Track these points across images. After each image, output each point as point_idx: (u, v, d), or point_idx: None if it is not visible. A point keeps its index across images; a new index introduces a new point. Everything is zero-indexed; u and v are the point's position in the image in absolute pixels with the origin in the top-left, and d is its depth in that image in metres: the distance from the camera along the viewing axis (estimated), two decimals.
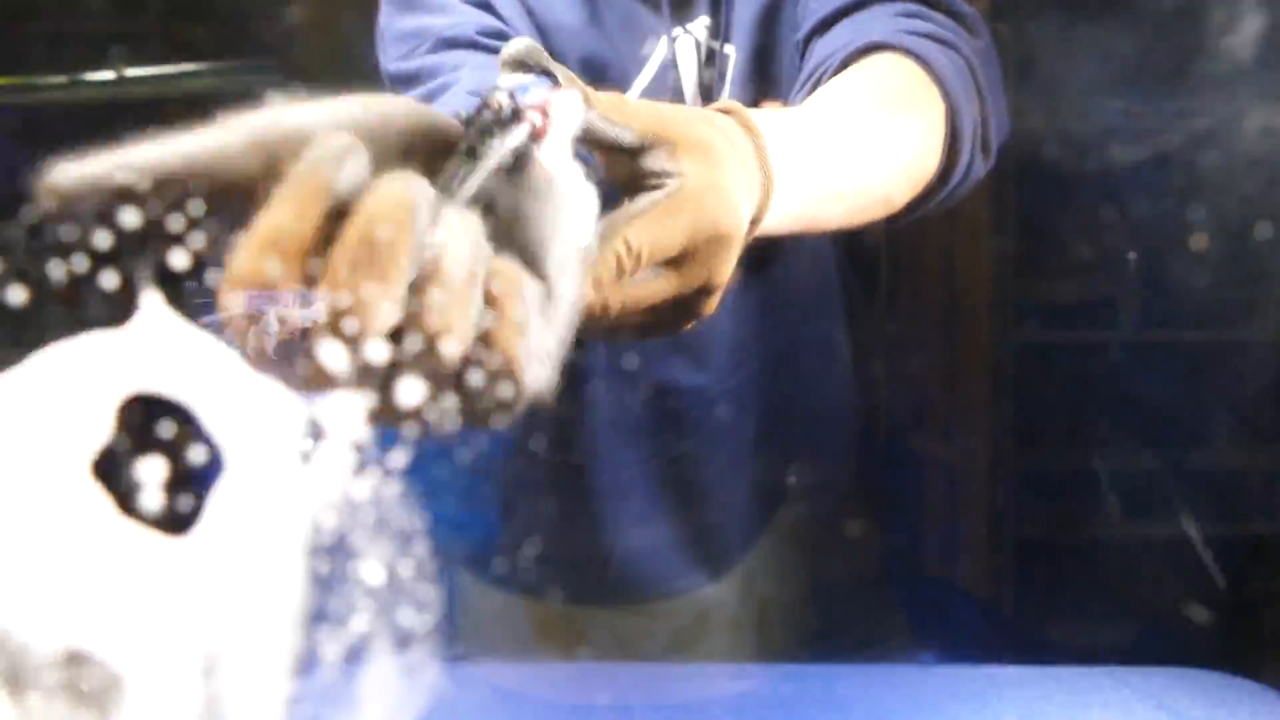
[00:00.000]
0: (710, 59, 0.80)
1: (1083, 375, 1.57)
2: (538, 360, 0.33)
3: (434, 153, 0.34)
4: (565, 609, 0.89)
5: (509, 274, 0.32)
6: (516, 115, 0.35)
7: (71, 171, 0.30)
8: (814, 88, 0.66)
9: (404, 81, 0.74)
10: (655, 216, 0.40)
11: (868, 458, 0.97)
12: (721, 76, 0.80)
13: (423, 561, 0.30)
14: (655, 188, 0.41)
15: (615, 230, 0.39)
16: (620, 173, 0.41)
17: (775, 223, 0.47)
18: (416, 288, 0.30)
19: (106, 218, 0.30)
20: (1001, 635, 1.41)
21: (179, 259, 0.31)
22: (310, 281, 0.30)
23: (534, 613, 0.90)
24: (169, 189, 0.31)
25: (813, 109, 0.59)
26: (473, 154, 0.34)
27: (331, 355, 0.29)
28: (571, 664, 0.86)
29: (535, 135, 0.35)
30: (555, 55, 0.79)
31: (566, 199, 0.36)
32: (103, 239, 0.30)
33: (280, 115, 0.33)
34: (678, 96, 0.80)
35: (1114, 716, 0.68)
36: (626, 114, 0.41)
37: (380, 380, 0.30)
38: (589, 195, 0.37)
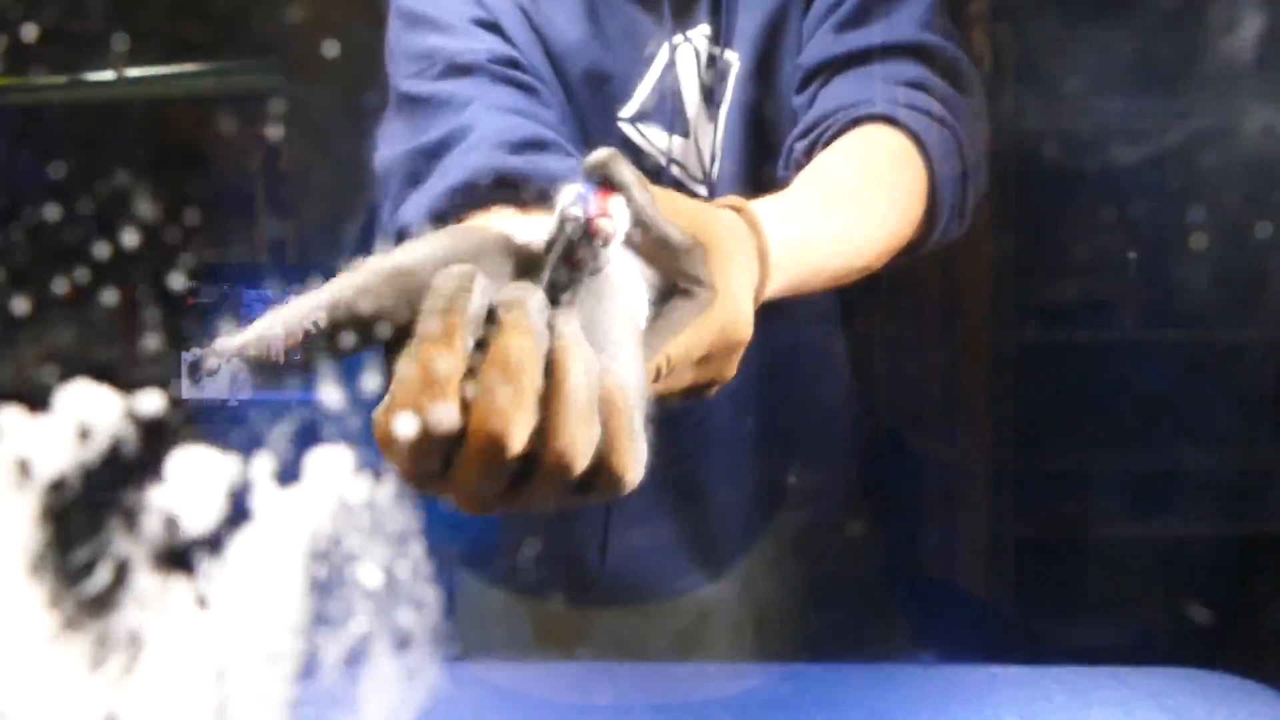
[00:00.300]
0: (711, 65, 0.80)
1: (1083, 375, 1.57)
2: (639, 464, 0.39)
3: (518, 267, 0.40)
4: (565, 609, 0.89)
5: (618, 390, 0.38)
6: (591, 226, 0.40)
7: (227, 347, 0.36)
8: (813, 142, 0.71)
9: (415, 102, 0.74)
10: (690, 333, 0.45)
11: (868, 458, 0.97)
12: (722, 81, 0.80)
13: (420, 563, 0.30)
14: (687, 293, 0.45)
15: (659, 343, 0.44)
16: (661, 266, 0.45)
17: (766, 295, 0.53)
18: (542, 408, 0.36)
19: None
20: (1001, 635, 1.40)
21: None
22: (463, 403, 0.35)
23: (534, 612, 0.90)
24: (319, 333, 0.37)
25: (807, 193, 0.63)
26: (564, 267, 0.40)
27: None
28: (571, 664, 0.86)
29: (607, 242, 0.40)
30: (560, 69, 0.80)
31: (632, 296, 0.42)
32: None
33: (395, 256, 0.39)
34: (678, 102, 0.80)
35: (1114, 716, 0.68)
36: (671, 210, 0.45)
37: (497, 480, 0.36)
38: (643, 289, 0.43)
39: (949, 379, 1.64)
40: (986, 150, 0.76)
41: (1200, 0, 1.35)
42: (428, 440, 0.35)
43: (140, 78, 1.62)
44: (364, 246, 0.40)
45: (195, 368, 0.35)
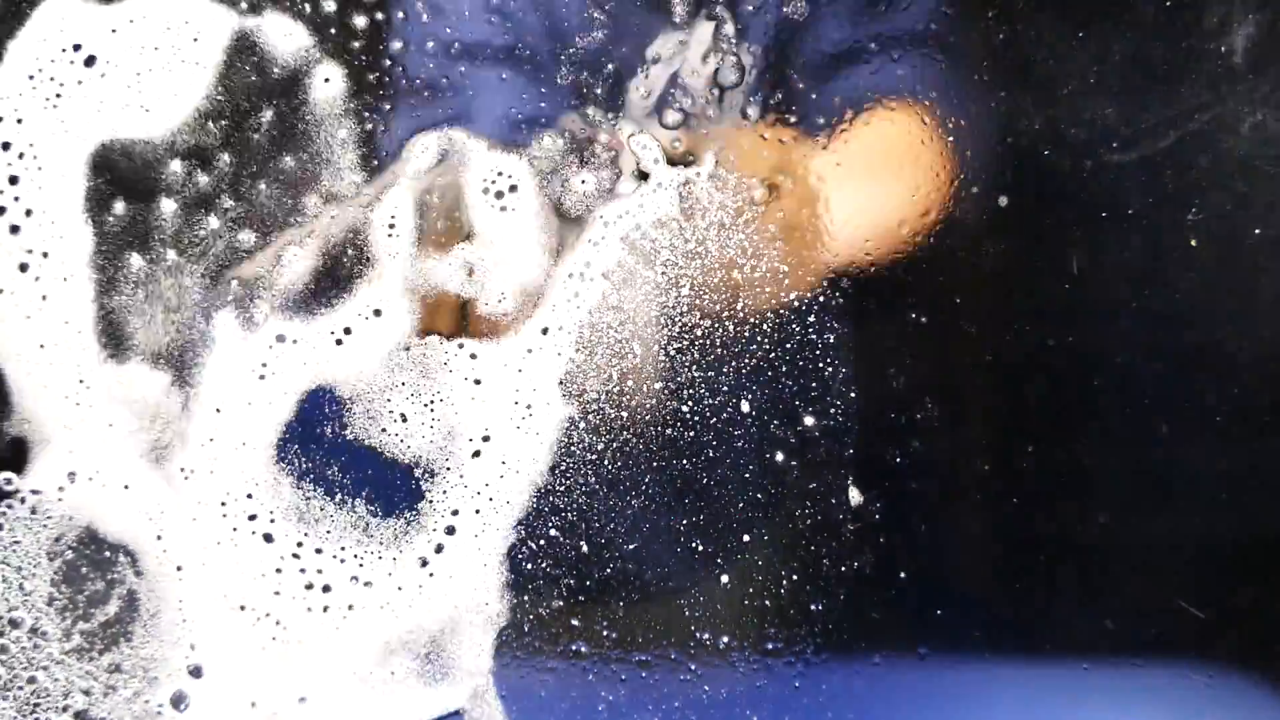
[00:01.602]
0: None
1: (1082, 375, 1.56)
2: None
3: None
4: (567, 604, 0.89)
5: None
6: None
7: None
8: None
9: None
10: None
11: (869, 453, 0.96)
12: None
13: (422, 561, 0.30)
14: None
15: None
16: None
17: None
18: None
19: None
20: (1001, 634, 1.40)
21: None
22: None
23: (536, 609, 0.90)
24: None
25: None
26: None
27: None
28: (572, 663, 0.86)
29: None
30: None
31: None
32: None
33: None
34: None
35: (1114, 716, 0.68)
36: None
37: None
38: None
39: (949, 378, 1.64)
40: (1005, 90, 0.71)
41: (1199, 1, 1.35)
42: None
43: None
44: None
45: None
